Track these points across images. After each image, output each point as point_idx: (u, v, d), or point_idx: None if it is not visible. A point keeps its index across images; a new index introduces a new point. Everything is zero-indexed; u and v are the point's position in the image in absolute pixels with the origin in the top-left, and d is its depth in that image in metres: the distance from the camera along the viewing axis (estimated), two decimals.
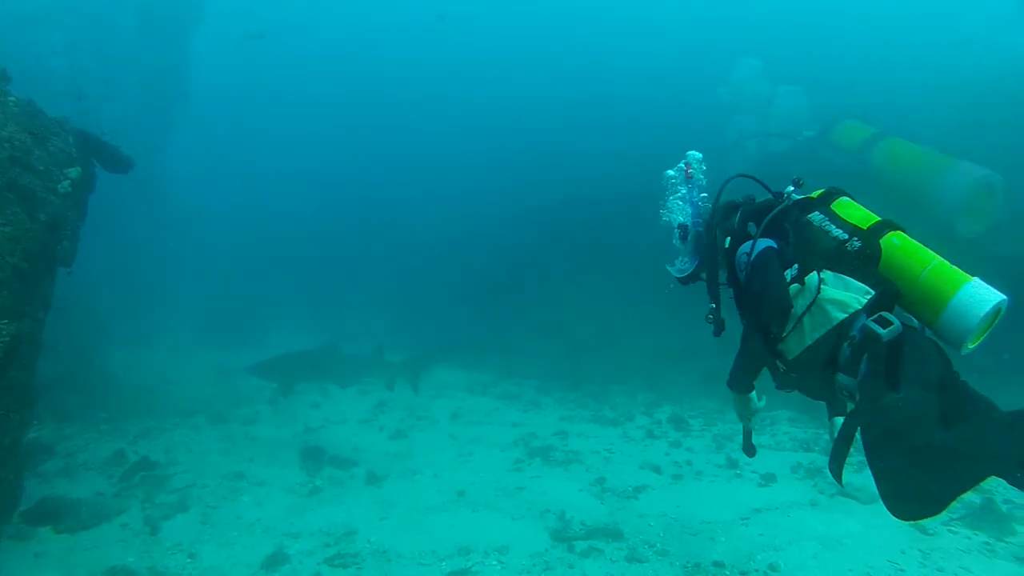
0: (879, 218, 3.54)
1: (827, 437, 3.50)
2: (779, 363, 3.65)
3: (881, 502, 2.88)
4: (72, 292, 8.73)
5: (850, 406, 3.42)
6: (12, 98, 7.25)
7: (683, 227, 4.21)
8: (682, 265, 4.31)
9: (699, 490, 9.19)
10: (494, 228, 21.07)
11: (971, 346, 3.17)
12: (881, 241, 3.41)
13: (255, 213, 37.07)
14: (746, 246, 3.77)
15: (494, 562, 7.30)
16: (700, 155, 4.31)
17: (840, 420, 3.39)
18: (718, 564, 7.14)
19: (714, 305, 4.05)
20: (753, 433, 4.16)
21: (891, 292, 3.31)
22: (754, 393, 3.84)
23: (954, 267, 3.25)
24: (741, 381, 3.75)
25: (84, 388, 11.73)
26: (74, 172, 7.47)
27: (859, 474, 7.82)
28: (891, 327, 3.10)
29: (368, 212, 32.60)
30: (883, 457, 2.86)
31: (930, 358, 3.11)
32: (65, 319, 9.09)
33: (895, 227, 3.49)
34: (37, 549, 7.20)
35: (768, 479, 9.27)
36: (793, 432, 11.05)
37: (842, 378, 3.35)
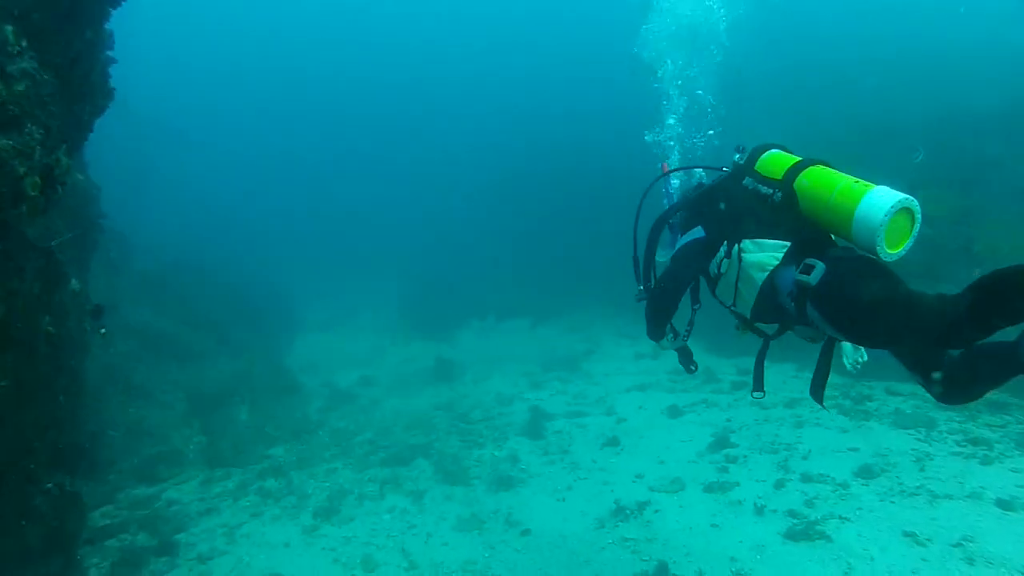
0: (793, 162, 3.70)
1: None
2: (745, 326, 4.01)
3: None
4: None
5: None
6: None
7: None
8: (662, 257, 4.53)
9: None
10: None
11: (891, 251, 3.28)
12: (795, 185, 3.58)
13: None
14: (680, 239, 4.18)
15: None
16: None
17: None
18: None
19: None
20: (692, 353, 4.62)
21: (804, 237, 3.56)
22: (668, 336, 4.38)
23: (861, 182, 3.38)
24: (654, 333, 4.32)
25: None
26: None
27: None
28: (815, 270, 3.32)
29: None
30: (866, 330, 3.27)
31: (865, 272, 3.29)
32: None
33: (808, 165, 3.64)
34: None
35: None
36: None
37: (800, 330, 3.71)
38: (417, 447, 10.21)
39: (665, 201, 4.60)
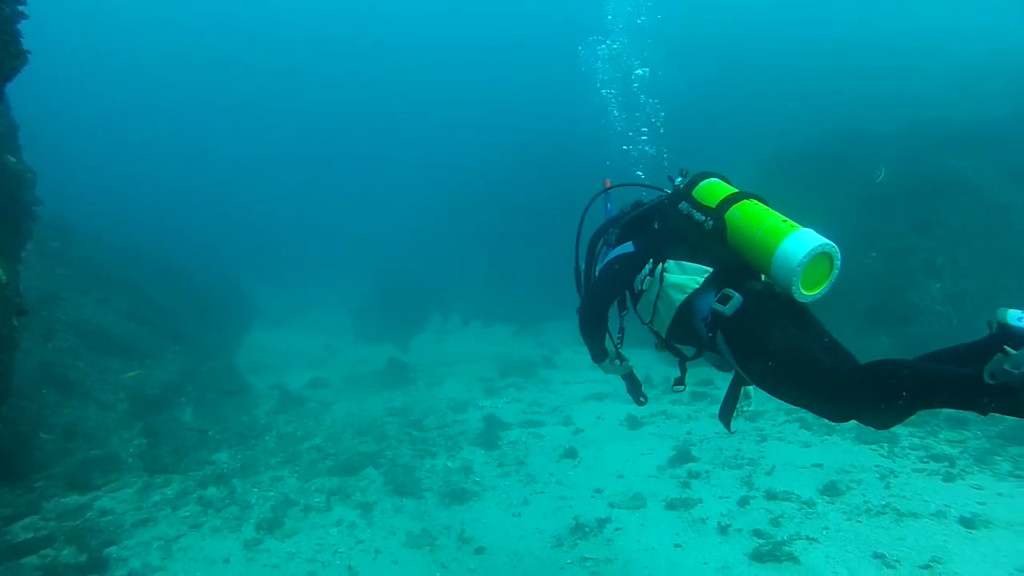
0: (729, 193, 3.76)
1: None
2: (661, 345, 4.11)
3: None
4: None
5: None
6: None
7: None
8: None
9: None
10: None
11: (807, 292, 3.33)
12: (726, 216, 3.63)
13: None
14: (609, 253, 4.25)
15: None
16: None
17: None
18: None
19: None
20: (641, 384, 4.64)
21: (727, 266, 3.63)
22: (610, 358, 4.42)
23: (788, 223, 3.45)
24: (595, 355, 4.37)
25: None
26: None
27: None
28: (731, 301, 3.39)
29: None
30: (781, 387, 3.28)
31: (776, 317, 3.35)
32: None
33: (743, 198, 3.68)
34: None
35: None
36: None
37: (709, 356, 3.80)
38: (367, 455, 9.80)
39: (606, 216, 4.64)
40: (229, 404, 12.47)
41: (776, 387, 3.29)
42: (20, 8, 6.36)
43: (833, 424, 9.49)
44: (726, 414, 4.01)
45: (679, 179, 4.08)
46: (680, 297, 3.64)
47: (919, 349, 3.09)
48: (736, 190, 3.78)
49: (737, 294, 3.39)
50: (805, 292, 3.32)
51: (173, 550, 7.26)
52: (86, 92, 51.38)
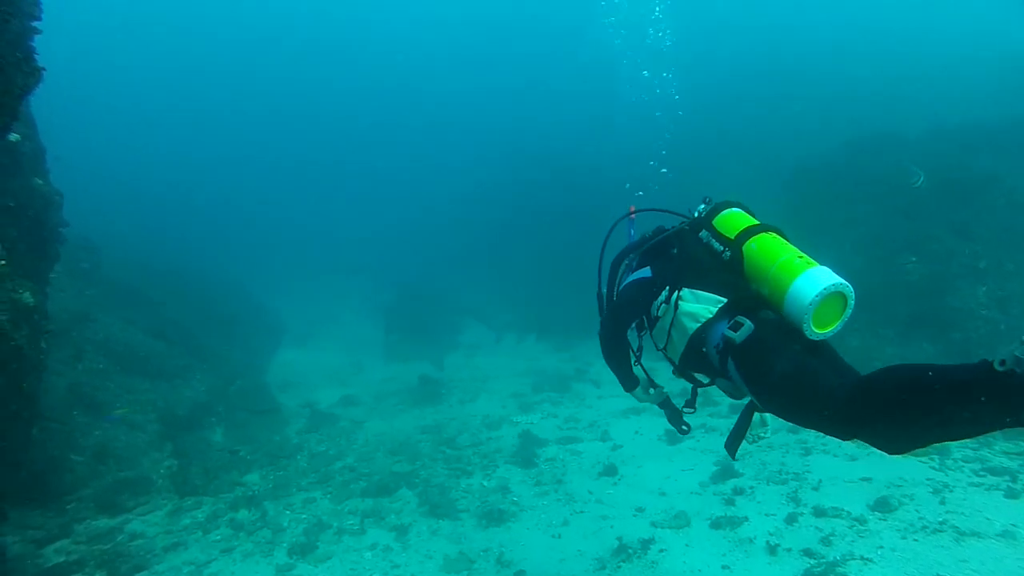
0: (748, 225, 3.78)
1: None
2: (675, 372, 4.08)
3: None
4: None
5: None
6: None
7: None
8: None
9: None
10: None
11: (818, 330, 3.32)
12: (743, 248, 3.66)
13: None
14: (628, 277, 4.25)
15: None
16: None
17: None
18: None
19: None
20: (681, 412, 4.45)
21: (742, 297, 3.60)
22: (640, 387, 4.40)
23: (804, 259, 3.44)
24: (625, 384, 4.35)
25: None
26: None
27: None
28: (743, 328, 3.36)
29: None
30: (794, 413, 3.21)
31: (786, 343, 3.31)
32: None
33: (762, 231, 3.70)
34: None
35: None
36: None
37: (721, 383, 3.75)
38: (401, 475, 9.60)
39: (628, 240, 4.64)
40: (259, 423, 12.33)
41: (786, 411, 3.25)
42: (34, 24, 6.25)
43: None
44: (734, 443, 3.97)
45: (701, 206, 4.09)
46: (694, 326, 3.65)
47: (964, 354, 2.93)
48: (756, 222, 3.81)
49: (749, 321, 3.38)
50: (816, 330, 3.32)
51: (204, 575, 7.09)
52: (97, 104, 52.00)
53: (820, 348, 3.41)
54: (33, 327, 6.82)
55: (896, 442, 2.86)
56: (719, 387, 3.86)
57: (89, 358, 11.58)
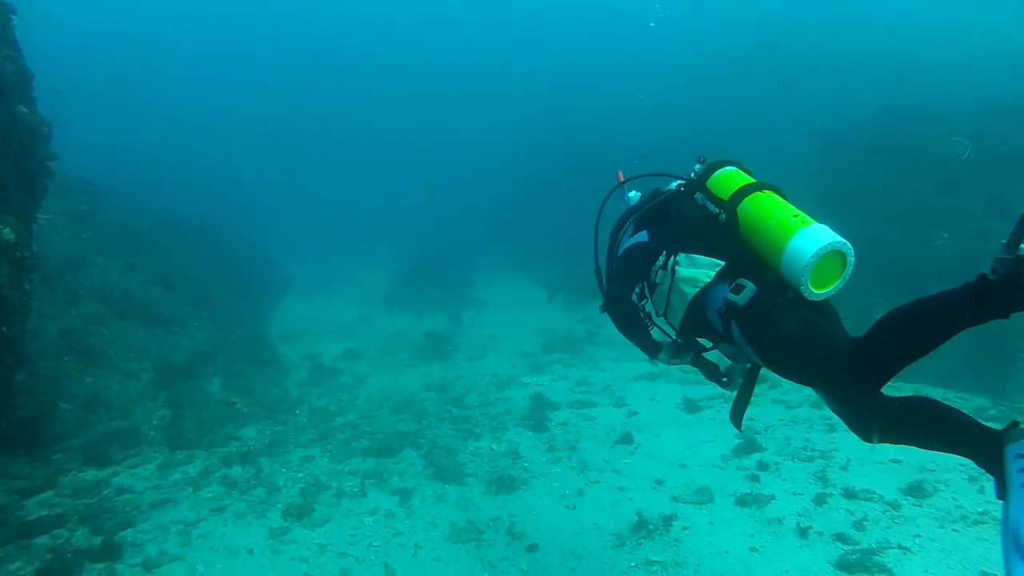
0: (743, 184, 3.64)
1: None
2: (677, 337, 4.03)
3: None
4: None
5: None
6: None
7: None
8: None
9: None
10: None
11: (816, 290, 3.22)
12: (738, 209, 3.53)
13: None
14: (625, 242, 4.16)
15: None
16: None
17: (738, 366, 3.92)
18: None
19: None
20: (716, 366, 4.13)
21: (740, 260, 3.50)
22: (664, 351, 4.12)
23: (800, 217, 3.33)
24: (649, 352, 4.12)
25: None
26: None
27: None
28: (744, 291, 3.30)
29: None
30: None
31: (791, 304, 3.25)
32: None
33: (757, 190, 3.56)
34: None
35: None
36: None
37: (724, 347, 3.71)
38: (405, 435, 9.15)
39: (625, 207, 4.53)
40: (259, 375, 11.89)
41: (793, 372, 3.18)
42: None
43: None
44: (738, 413, 3.90)
45: (697, 167, 3.97)
46: (692, 291, 3.58)
47: (997, 337, 2.55)
48: (752, 180, 3.68)
49: (751, 283, 3.31)
50: (815, 290, 3.22)
51: (192, 536, 6.65)
52: (115, 56, 51.31)
53: (823, 309, 3.33)
54: (15, 265, 6.31)
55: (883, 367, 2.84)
56: (721, 352, 3.83)
57: (83, 303, 11.12)
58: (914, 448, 3.08)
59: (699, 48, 30.33)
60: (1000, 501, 2.65)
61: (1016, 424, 2.72)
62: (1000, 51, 20.57)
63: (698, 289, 3.56)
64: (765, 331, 3.24)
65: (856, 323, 3.18)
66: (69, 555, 6.04)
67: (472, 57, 52.95)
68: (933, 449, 3.03)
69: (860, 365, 2.84)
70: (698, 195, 3.80)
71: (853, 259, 3.26)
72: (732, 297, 3.32)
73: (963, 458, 2.87)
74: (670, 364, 4.20)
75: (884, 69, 21.45)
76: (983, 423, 2.86)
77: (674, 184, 4.18)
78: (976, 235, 11.13)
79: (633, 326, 4.01)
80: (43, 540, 6.38)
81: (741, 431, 4.09)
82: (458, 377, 12.10)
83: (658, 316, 3.98)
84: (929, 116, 14.12)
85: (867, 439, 3.23)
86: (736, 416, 3.91)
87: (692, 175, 3.96)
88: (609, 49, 38.83)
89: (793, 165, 13.99)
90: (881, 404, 3.05)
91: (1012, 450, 2.64)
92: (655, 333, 4.13)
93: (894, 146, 13.69)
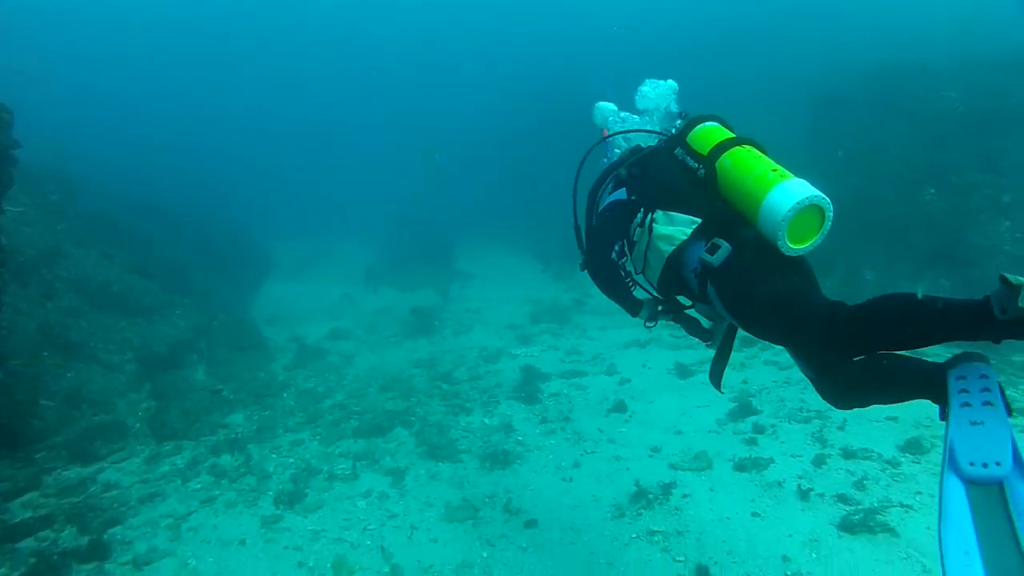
0: (722, 139, 3.56)
1: None
2: (655, 294, 4.01)
3: None
4: None
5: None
6: None
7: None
8: None
9: None
10: None
11: (794, 245, 3.18)
12: (717, 164, 3.47)
13: None
14: (604, 199, 4.11)
15: None
16: (614, 106, 4.56)
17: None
18: None
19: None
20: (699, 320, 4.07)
21: (718, 216, 3.44)
22: (646, 308, 4.17)
23: (778, 172, 3.26)
24: (631, 310, 4.18)
25: None
26: None
27: None
28: (719, 251, 3.25)
29: None
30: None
31: (768, 264, 3.20)
32: None
33: (736, 144, 3.49)
34: None
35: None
36: None
37: (700, 307, 3.75)
38: (395, 413, 9.01)
39: (606, 163, 4.43)
40: (244, 360, 11.70)
41: (769, 333, 3.22)
42: None
43: None
44: (717, 374, 3.84)
45: (678, 122, 3.92)
46: (668, 249, 3.54)
47: (983, 291, 2.45)
48: (732, 135, 3.61)
49: (726, 243, 3.26)
50: (792, 245, 3.17)
51: (183, 530, 6.48)
52: (88, 41, 50.32)
53: (801, 268, 3.31)
54: None
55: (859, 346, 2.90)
56: (698, 311, 3.85)
57: (60, 296, 10.86)
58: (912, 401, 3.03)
59: (695, 9, 30.19)
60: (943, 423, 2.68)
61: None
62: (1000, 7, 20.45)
63: (674, 247, 3.52)
64: (740, 291, 3.23)
65: (844, 280, 3.10)
66: (55, 557, 5.87)
67: (460, 26, 52.11)
68: (898, 403, 3.08)
69: (837, 332, 2.84)
70: (678, 151, 3.72)
71: (832, 214, 3.18)
72: (707, 257, 3.28)
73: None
74: (650, 322, 4.19)
75: (880, 32, 21.39)
76: (928, 359, 2.93)
77: (655, 140, 4.14)
78: (962, 190, 11.03)
79: (613, 284, 4.01)
80: (28, 543, 6.19)
81: (722, 392, 4.04)
82: (446, 352, 11.96)
83: (637, 274, 3.94)
84: (922, 72, 13.98)
85: (835, 405, 3.34)
86: (715, 376, 3.85)
87: (673, 131, 3.90)
88: (602, 14, 38.30)
89: (785, 125, 13.90)
90: (843, 370, 3.13)
91: (953, 374, 2.73)
92: (636, 291, 4.07)
93: (886, 102, 13.58)
